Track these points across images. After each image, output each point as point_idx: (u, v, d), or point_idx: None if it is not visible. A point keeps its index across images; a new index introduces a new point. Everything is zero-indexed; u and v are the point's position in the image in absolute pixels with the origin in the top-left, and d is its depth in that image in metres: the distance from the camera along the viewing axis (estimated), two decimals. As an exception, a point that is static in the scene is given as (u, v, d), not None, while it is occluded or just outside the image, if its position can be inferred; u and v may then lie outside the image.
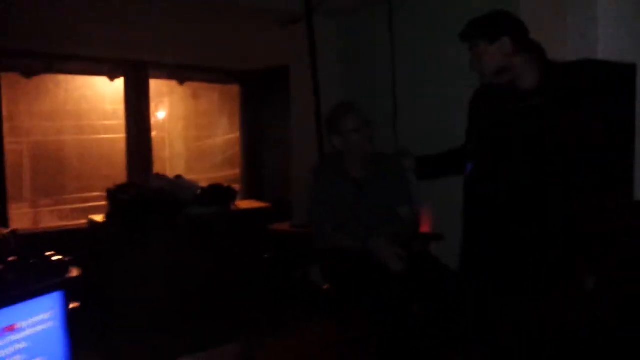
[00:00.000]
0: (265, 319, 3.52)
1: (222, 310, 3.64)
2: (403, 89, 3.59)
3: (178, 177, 4.64)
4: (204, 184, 4.79)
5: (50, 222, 4.58)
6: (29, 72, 4.33)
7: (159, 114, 5.19)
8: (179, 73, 5.10)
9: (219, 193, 4.67)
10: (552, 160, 1.91)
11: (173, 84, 5.16)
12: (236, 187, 5.20)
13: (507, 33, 2.00)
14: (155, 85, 4.98)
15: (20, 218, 4.40)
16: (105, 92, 4.79)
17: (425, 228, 3.23)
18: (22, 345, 1.79)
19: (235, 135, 5.73)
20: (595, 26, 2.32)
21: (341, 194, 2.59)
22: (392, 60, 3.53)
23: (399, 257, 2.38)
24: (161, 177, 4.55)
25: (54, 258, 2.49)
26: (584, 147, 1.90)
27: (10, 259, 2.40)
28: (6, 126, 4.27)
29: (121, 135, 4.76)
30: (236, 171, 5.76)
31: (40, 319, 1.88)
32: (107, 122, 4.82)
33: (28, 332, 1.82)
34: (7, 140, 4.27)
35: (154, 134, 4.98)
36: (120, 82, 4.75)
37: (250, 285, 3.99)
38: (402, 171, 2.70)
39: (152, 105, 4.96)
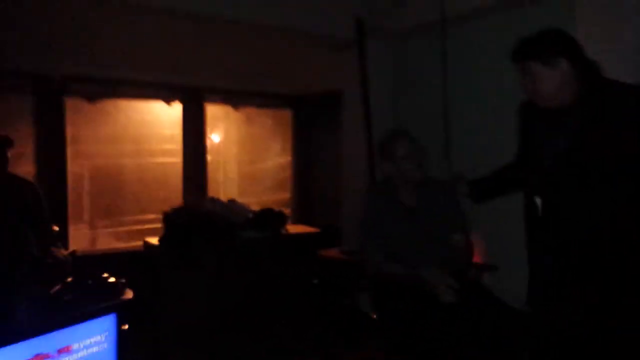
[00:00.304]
0: (314, 345, 3.49)
1: (271, 335, 3.64)
2: (456, 115, 3.54)
3: (231, 200, 4.72)
4: (255, 207, 4.85)
5: (107, 243, 4.73)
6: (92, 97, 4.52)
7: (214, 138, 5.30)
8: (233, 98, 5.21)
9: (270, 217, 4.72)
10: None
11: (228, 108, 5.27)
12: (287, 211, 5.24)
13: (564, 54, 1.86)
14: (211, 110, 5.09)
15: (79, 239, 4.55)
16: (164, 117, 4.94)
17: (478, 258, 3.14)
18: (75, 366, 1.83)
19: (287, 159, 5.78)
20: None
21: (392, 220, 2.56)
22: (445, 87, 3.49)
23: (451, 287, 2.32)
24: (215, 201, 4.64)
25: (109, 280, 2.56)
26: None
27: (68, 279, 2.48)
28: (70, 149, 4.46)
29: (178, 159, 4.89)
30: (287, 195, 5.80)
31: (94, 340, 1.93)
32: (165, 147, 4.96)
33: (82, 353, 1.87)
34: (70, 163, 4.46)
35: (208, 157, 5.09)
36: (178, 107, 4.89)
37: (298, 310, 3.98)
38: (455, 198, 2.65)
39: (208, 129, 5.07)
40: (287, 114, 5.68)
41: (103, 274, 2.58)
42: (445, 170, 3.44)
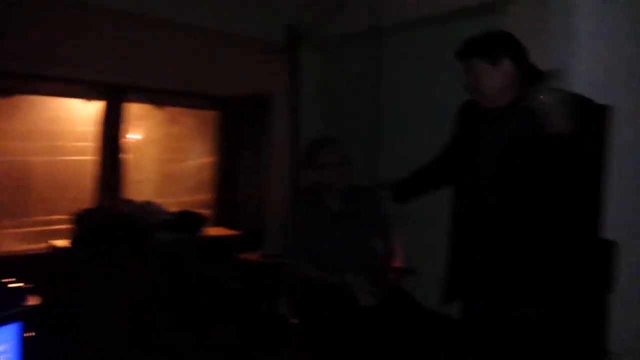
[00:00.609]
0: (231, 351, 3.42)
1: (187, 340, 3.53)
2: (385, 124, 3.59)
3: (147, 202, 4.55)
4: (174, 207, 4.70)
5: (11, 245, 4.41)
6: (4, 92, 4.22)
7: (133, 137, 5.09)
8: (156, 97, 5.03)
9: (187, 219, 4.60)
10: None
11: (150, 107, 5.08)
12: (207, 213, 5.12)
13: (508, 54, 1.91)
14: (131, 109, 4.90)
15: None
16: (80, 114, 4.69)
17: (397, 262, 3.20)
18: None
19: (209, 160, 5.65)
20: (575, 62, 2.34)
21: (317, 226, 2.59)
22: (375, 96, 3.53)
23: (371, 292, 2.36)
24: (129, 202, 4.46)
25: (12, 285, 2.37)
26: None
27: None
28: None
29: (92, 158, 4.65)
30: (209, 196, 5.67)
31: (-5, 352, 1.77)
32: (78, 144, 4.71)
33: (-19, 366, 1.71)
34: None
35: (125, 157, 4.87)
36: (96, 104, 4.66)
37: (215, 315, 3.89)
38: (379, 204, 2.71)
39: (127, 128, 4.86)
40: (212, 115, 5.55)
41: (6, 278, 2.39)
42: (373, 178, 3.48)
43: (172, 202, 5.05)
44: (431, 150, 3.55)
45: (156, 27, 3.89)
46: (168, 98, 5.13)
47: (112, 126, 4.67)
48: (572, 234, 1.85)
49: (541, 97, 2.11)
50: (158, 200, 4.69)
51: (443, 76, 3.42)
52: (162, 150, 5.44)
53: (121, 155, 4.73)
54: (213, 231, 4.68)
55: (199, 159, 5.70)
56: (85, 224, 3.75)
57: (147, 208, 4.43)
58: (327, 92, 4.33)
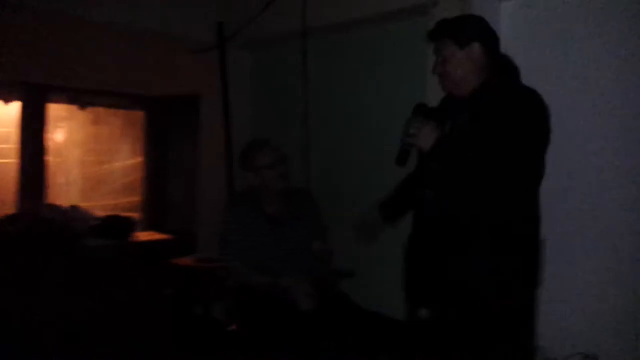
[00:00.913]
0: (166, 357, 3.35)
1: (120, 348, 3.43)
2: (316, 123, 3.62)
3: (73, 207, 4.39)
4: (102, 211, 4.55)
5: None
6: None
7: (57, 139, 4.88)
8: (80, 98, 4.85)
9: (116, 224, 4.48)
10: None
11: (74, 108, 4.89)
12: (136, 216, 5.00)
13: (479, 39, 1.84)
14: (55, 109, 4.70)
15: None
16: (-1, 115, 4.46)
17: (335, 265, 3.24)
18: None
19: (137, 161, 5.51)
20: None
21: (256, 230, 2.57)
22: (306, 95, 3.56)
23: (311, 296, 2.37)
24: (54, 208, 4.29)
25: None
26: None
27: None
28: None
29: (13, 161, 4.42)
30: (137, 198, 5.53)
31: None
32: (-2, 147, 4.48)
33: None
34: None
35: (49, 159, 4.67)
36: (16, 105, 4.45)
37: (149, 322, 3.80)
38: (315, 207, 2.73)
39: (50, 130, 4.67)
40: (139, 115, 5.41)
41: None
42: (304, 179, 3.51)
43: (99, 206, 4.90)
44: (361, 150, 3.67)
45: (80, 26, 3.74)
46: (93, 98, 4.96)
47: (34, 128, 4.47)
48: (508, 230, 1.82)
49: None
50: (84, 204, 4.53)
51: (371, 77, 3.50)
52: (88, 152, 5.25)
53: (45, 158, 4.53)
54: (143, 236, 4.57)
55: (126, 160, 5.54)
56: (6, 232, 3.57)
57: (73, 213, 4.28)
58: (259, 92, 4.31)
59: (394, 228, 2.24)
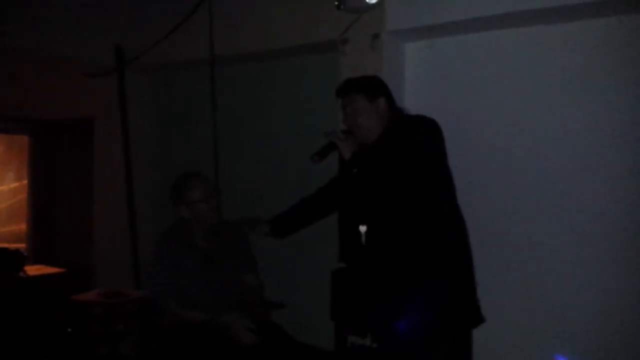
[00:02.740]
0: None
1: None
2: (224, 149, 3.57)
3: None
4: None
5: None
6: None
7: None
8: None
9: (4, 258, 4.13)
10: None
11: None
12: (21, 247, 4.65)
13: (383, 94, 2.15)
14: None
15: None
16: None
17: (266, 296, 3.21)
18: None
19: (22, 187, 5.13)
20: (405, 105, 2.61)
21: (188, 265, 2.50)
22: (214, 121, 3.50)
23: (250, 330, 2.35)
24: None
25: None
26: None
27: None
28: None
29: None
30: (23, 227, 5.14)
31: None
32: None
33: None
34: None
35: None
36: None
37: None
38: (246, 239, 2.73)
39: None
40: (25, 140, 5.05)
41: None
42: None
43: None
44: (269, 177, 3.68)
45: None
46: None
47: None
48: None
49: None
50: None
51: (276, 107, 3.59)
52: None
53: None
54: (32, 270, 4.23)
55: (9, 186, 5.15)
56: None
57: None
58: (161, 115, 4.19)
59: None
